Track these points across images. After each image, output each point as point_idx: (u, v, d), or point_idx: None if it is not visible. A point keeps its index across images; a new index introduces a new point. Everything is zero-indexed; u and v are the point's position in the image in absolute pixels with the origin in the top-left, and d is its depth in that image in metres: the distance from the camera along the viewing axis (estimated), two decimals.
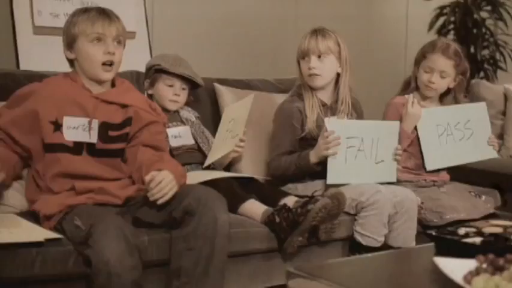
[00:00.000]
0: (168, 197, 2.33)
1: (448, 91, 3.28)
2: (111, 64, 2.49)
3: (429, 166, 3.18)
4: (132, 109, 2.57)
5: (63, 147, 2.43)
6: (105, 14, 2.50)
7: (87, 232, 2.18)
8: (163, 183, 2.31)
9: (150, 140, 2.57)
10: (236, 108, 3.09)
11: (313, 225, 2.63)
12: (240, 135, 2.93)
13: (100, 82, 2.54)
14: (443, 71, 3.19)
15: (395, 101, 3.29)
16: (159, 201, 2.33)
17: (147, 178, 2.33)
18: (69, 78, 2.54)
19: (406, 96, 3.19)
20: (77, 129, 2.45)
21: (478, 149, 3.26)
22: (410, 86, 3.30)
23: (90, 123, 2.47)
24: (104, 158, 2.49)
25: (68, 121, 2.44)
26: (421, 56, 3.24)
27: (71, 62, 2.55)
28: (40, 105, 2.44)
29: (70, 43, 2.50)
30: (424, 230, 2.95)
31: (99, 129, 2.48)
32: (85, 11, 2.51)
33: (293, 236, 2.61)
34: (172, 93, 3.05)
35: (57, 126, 2.44)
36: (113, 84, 2.60)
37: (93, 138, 2.47)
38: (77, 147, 2.45)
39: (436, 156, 3.18)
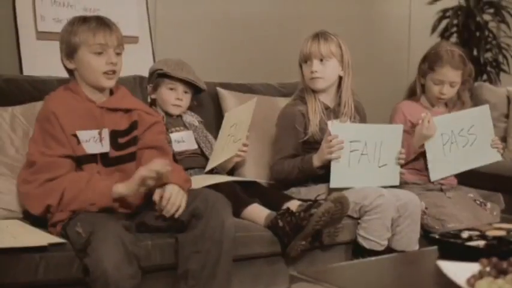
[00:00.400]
0: (182, 209, 2.36)
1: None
2: (113, 72, 2.51)
3: (433, 177, 3.16)
4: (136, 112, 2.60)
5: (87, 159, 2.45)
6: (105, 23, 2.51)
7: (87, 240, 2.18)
8: (173, 198, 2.35)
9: (154, 141, 2.59)
10: (238, 112, 3.10)
11: (317, 229, 2.62)
12: (243, 139, 2.93)
13: (102, 90, 2.55)
14: (453, 81, 3.22)
15: (403, 105, 3.29)
16: (176, 215, 2.36)
17: (156, 198, 2.38)
18: (70, 90, 2.54)
19: (423, 115, 3.14)
20: (89, 141, 2.46)
21: (482, 153, 3.23)
22: (417, 93, 3.30)
23: (100, 133, 2.48)
24: (119, 165, 2.51)
25: (80, 135, 2.46)
26: (428, 68, 3.22)
27: (70, 71, 2.56)
28: (60, 122, 2.44)
29: (70, 53, 2.50)
30: (426, 234, 2.96)
31: (109, 137, 2.50)
32: (84, 20, 2.51)
33: (296, 240, 2.60)
34: (174, 98, 3.05)
35: (78, 139, 2.45)
36: (111, 92, 2.61)
37: (106, 147, 2.49)
38: (93, 159, 2.47)
39: (441, 167, 3.17)
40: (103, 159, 2.48)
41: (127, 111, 2.58)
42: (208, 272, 2.33)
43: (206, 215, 2.35)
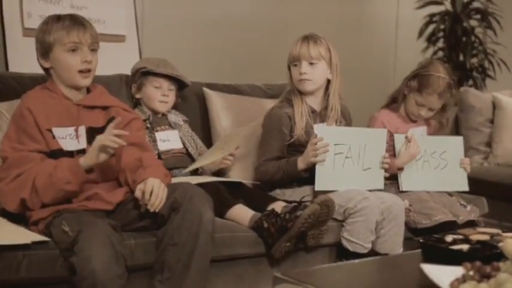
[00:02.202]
0: (163, 201, 2.35)
1: None
2: (88, 71, 2.51)
3: (405, 187, 3.18)
4: (113, 109, 2.60)
5: (63, 155, 2.43)
6: (79, 22, 2.51)
7: (74, 238, 2.16)
8: (155, 190, 2.33)
9: (133, 137, 2.57)
10: (232, 136, 3.10)
11: (302, 231, 2.63)
12: (231, 150, 2.97)
13: (78, 88, 2.55)
14: (433, 107, 3.26)
15: (381, 115, 3.30)
16: (159, 208, 2.34)
17: (138, 194, 2.36)
18: (47, 89, 2.54)
19: (409, 135, 3.17)
20: (65, 139, 2.46)
21: (450, 180, 3.28)
22: (398, 102, 3.32)
23: (76, 131, 2.48)
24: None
25: (56, 132, 2.45)
26: (417, 90, 3.23)
27: (46, 70, 2.55)
28: (35, 117, 2.43)
29: (45, 52, 2.50)
30: (412, 233, 2.96)
31: (86, 135, 2.49)
32: (58, 19, 2.50)
33: (281, 242, 2.60)
34: (160, 94, 3.06)
35: (53, 134, 2.44)
36: (88, 90, 2.61)
37: (82, 144, 2.48)
38: (70, 156, 2.45)
39: (412, 179, 3.20)
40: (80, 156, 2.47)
41: (104, 108, 2.59)
42: (183, 265, 2.32)
43: (184, 207, 2.34)
